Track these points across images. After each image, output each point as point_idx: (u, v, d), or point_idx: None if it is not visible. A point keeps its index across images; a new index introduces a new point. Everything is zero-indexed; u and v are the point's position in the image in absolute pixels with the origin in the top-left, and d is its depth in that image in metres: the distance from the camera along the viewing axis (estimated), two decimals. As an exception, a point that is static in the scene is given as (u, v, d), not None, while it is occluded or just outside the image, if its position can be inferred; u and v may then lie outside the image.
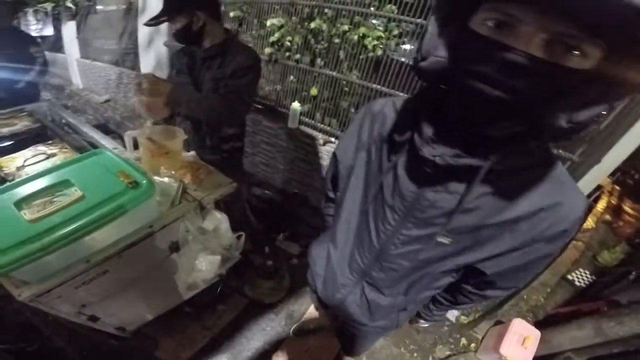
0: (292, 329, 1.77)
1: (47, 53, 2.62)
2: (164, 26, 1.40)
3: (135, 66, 3.99)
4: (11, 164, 1.33)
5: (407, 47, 2.11)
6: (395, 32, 1.98)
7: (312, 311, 1.88)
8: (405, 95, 2.02)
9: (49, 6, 4.26)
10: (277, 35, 2.22)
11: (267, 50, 2.32)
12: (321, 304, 1.03)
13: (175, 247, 1.17)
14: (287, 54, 2.27)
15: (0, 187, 0.96)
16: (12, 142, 1.51)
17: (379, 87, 2.11)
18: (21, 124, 1.62)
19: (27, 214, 0.89)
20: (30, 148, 1.45)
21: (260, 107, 2.27)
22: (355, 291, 0.78)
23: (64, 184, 0.98)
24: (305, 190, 2.04)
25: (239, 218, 1.71)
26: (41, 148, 1.45)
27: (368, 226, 0.69)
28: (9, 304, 1.57)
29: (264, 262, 1.70)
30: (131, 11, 3.86)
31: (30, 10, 4.24)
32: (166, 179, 1.12)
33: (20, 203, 0.92)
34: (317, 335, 1.76)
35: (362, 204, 0.70)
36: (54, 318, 1.04)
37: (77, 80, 5.37)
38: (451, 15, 0.44)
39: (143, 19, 3.06)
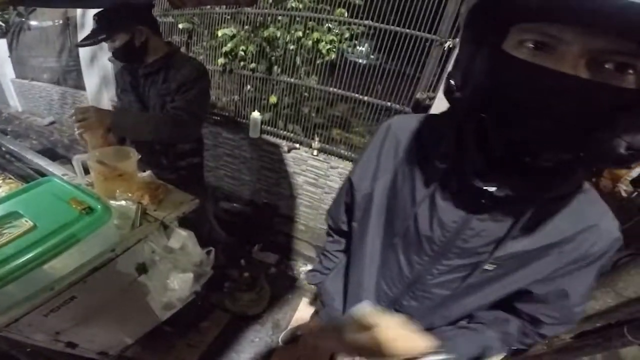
0: (281, 337, 1.77)
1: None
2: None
3: (78, 84, 3.74)
4: (-50, 201, 1.21)
5: (362, 48, 2.20)
6: (347, 34, 2.05)
7: (298, 317, 1.88)
8: (388, 103, 2.09)
9: None
10: (229, 45, 2.20)
11: (221, 60, 2.29)
12: None
13: (142, 269, 1.13)
14: (242, 63, 2.26)
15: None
16: (-53, 177, 1.38)
17: (337, 90, 2.17)
18: (-45, 157, 1.48)
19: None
20: (-30, 182, 1.33)
21: (218, 118, 2.23)
22: None
23: (13, 215, 0.93)
24: (275, 199, 2.04)
25: (207, 234, 1.68)
26: (-18, 181, 1.34)
27: (397, 258, 0.64)
28: None
29: (240, 274, 1.69)
30: (69, 26, 3.63)
31: None
32: (123, 202, 1.08)
33: (-32, 238, 0.85)
34: (307, 340, 1.77)
35: (386, 235, 0.65)
36: (33, 349, 0.99)
37: (14, 103, 4.93)
38: (482, 37, 0.40)
39: (83, 34, 2.89)
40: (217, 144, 2.17)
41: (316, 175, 1.82)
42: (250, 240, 2.17)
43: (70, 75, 4.02)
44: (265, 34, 2.11)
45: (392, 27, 1.93)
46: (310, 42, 2.06)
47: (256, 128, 2.04)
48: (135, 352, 1.52)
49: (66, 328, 1.03)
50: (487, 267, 0.55)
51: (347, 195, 0.73)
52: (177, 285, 1.29)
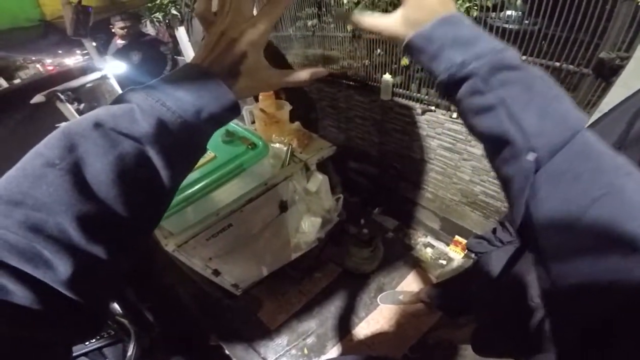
0: (381, 297, 1.79)
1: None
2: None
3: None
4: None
5: (509, 12, 1.84)
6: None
7: (405, 285, 1.86)
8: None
9: (159, 15, 4.99)
10: (356, 11, 2.19)
11: (349, 27, 2.31)
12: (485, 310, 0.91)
13: (284, 207, 1.30)
14: (370, 28, 2.22)
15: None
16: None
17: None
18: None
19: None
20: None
21: (351, 83, 2.29)
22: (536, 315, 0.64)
23: (200, 148, 1.20)
24: (404, 163, 2.00)
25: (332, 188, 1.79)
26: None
27: None
28: (154, 268, 1.98)
29: (359, 230, 1.75)
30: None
31: (147, 21, 5.04)
32: (277, 145, 1.25)
33: (170, 163, 1.15)
34: (407, 308, 1.74)
35: None
36: (185, 279, 1.23)
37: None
38: None
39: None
40: (349, 107, 2.24)
41: (454, 140, 1.65)
42: (372, 201, 2.19)
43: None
44: (388, -3, 1.99)
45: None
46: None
47: (388, 90, 1.99)
48: (257, 291, 1.78)
49: (217, 255, 1.27)
50: None
51: None
52: (307, 227, 1.43)
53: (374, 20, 0.37)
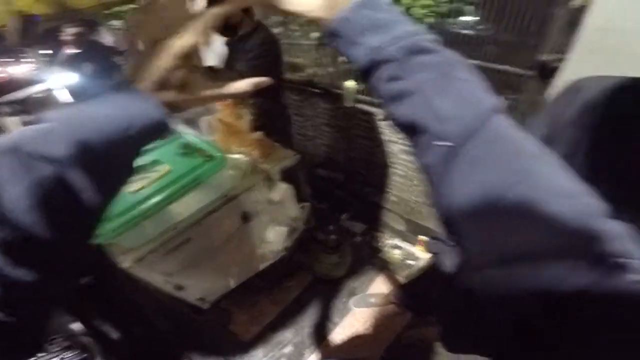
0: (353, 300, 1.80)
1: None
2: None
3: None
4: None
5: (467, 18, 1.96)
6: (443, -2, 1.85)
7: (375, 288, 1.88)
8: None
9: (117, 23, 4.80)
10: None
11: (314, 35, 2.34)
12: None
13: (246, 218, 1.27)
14: (334, 36, 2.28)
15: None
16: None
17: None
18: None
19: (128, 187, 1.06)
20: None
21: (316, 91, 2.31)
22: None
23: (155, 162, 1.16)
24: (368, 168, 2.04)
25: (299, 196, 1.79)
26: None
27: None
28: (116, 284, 1.87)
29: (327, 237, 1.76)
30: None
31: (104, 29, 4.83)
32: (237, 155, 1.23)
33: (123, 179, 1.10)
34: (379, 310, 1.76)
35: None
36: (150, 295, 1.18)
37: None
38: None
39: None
40: (315, 115, 2.26)
41: (413, 144, 1.73)
42: (340, 207, 2.21)
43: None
44: (350, 3, 2.06)
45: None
46: (401, 10, 1.93)
47: (350, 97, 2.03)
48: (226, 304, 1.72)
49: (178, 270, 1.22)
50: None
51: None
52: (272, 237, 1.41)
53: (292, 2, 0.34)
